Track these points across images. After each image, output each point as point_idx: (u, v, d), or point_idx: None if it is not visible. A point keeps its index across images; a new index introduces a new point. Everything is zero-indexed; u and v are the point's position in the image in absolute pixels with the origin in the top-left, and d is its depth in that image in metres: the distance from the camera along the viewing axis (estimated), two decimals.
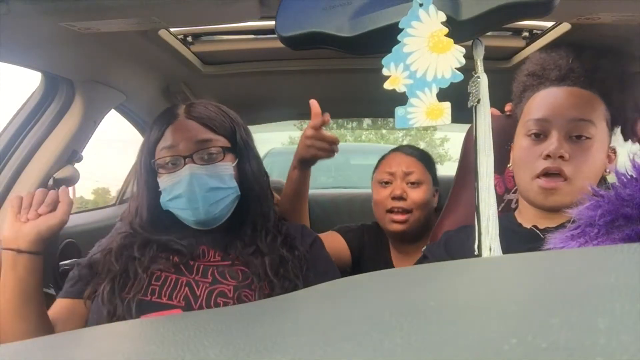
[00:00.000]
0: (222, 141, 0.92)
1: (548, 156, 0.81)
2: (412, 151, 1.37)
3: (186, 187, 0.87)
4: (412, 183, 1.29)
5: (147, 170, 0.93)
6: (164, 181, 0.90)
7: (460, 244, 0.94)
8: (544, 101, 0.86)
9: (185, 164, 0.88)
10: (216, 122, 0.93)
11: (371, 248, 1.42)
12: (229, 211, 0.92)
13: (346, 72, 1.54)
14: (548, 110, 0.84)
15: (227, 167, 0.91)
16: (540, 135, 0.84)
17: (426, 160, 1.36)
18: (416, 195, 1.28)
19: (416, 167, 1.31)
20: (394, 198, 1.28)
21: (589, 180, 0.78)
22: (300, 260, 0.93)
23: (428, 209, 1.32)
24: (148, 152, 0.93)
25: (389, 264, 1.39)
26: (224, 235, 0.93)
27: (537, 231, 0.85)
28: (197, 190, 0.87)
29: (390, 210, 1.29)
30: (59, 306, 0.89)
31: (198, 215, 0.88)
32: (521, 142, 0.87)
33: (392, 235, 1.35)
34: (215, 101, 1.00)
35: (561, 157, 0.80)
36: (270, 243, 0.92)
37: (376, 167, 1.40)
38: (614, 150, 0.87)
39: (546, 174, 0.81)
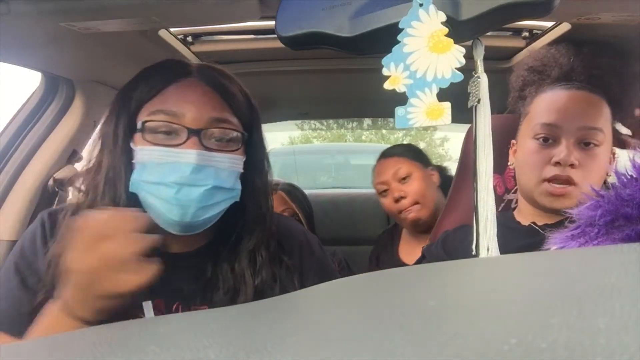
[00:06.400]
0: (240, 127, 0.70)
1: (558, 163, 0.81)
2: (392, 150, 1.46)
3: (188, 175, 0.63)
4: (404, 179, 1.37)
5: (125, 132, 0.67)
6: (147, 153, 0.65)
7: (458, 243, 0.94)
8: (553, 105, 0.85)
9: (188, 140, 0.64)
10: (238, 102, 0.70)
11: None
12: (216, 218, 0.69)
13: (346, 72, 1.54)
14: (557, 115, 0.83)
15: (239, 162, 0.69)
16: (548, 140, 0.84)
17: (408, 152, 1.44)
18: (411, 188, 1.36)
19: (400, 163, 1.39)
20: (396, 201, 1.36)
21: (595, 184, 0.79)
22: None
23: (431, 191, 1.39)
24: (129, 112, 0.67)
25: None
26: (204, 268, 0.70)
27: (536, 227, 0.86)
28: (195, 187, 0.64)
29: (399, 212, 1.37)
30: None
31: (184, 216, 0.64)
32: (527, 144, 0.87)
33: (413, 226, 1.40)
34: None
35: (571, 165, 0.80)
36: (265, 279, 0.72)
37: (373, 177, 1.47)
38: (613, 152, 0.87)
39: (555, 180, 0.81)
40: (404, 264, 1.36)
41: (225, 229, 0.73)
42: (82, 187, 0.70)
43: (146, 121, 0.65)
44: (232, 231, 0.73)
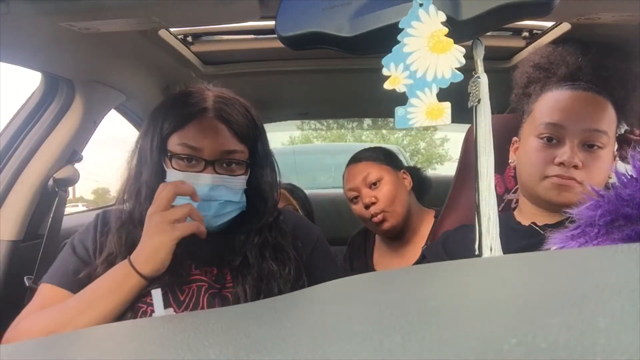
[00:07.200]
0: (245, 153, 0.88)
1: (561, 164, 0.80)
2: (361, 155, 1.41)
3: (206, 192, 0.83)
4: (374, 184, 1.34)
5: (158, 152, 0.86)
6: (174, 176, 0.84)
7: (458, 243, 0.94)
8: (559, 104, 0.85)
9: (205, 168, 0.84)
10: (244, 129, 0.87)
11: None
12: (228, 223, 0.89)
13: (346, 72, 1.54)
14: (562, 116, 0.83)
15: (243, 181, 0.88)
16: (552, 140, 0.83)
17: (378, 156, 1.39)
18: (382, 193, 1.33)
19: (370, 168, 1.35)
20: (367, 207, 1.33)
21: (598, 185, 0.78)
22: (295, 269, 0.89)
23: (402, 195, 1.35)
24: (160, 136, 0.86)
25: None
26: (215, 243, 0.87)
27: (536, 227, 0.86)
28: (212, 201, 0.84)
29: (372, 218, 1.34)
30: (59, 296, 0.83)
31: (205, 222, 0.83)
32: (530, 143, 0.86)
33: (383, 234, 1.39)
34: None
35: (575, 166, 0.80)
36: (259, 253, 0.88)
37: (343, 185, 1.43)
38: (615, 155, 0.87)
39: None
40: None
41: (237, 220, 0.90)
42: (125, 191, 0.89)
43: (174, 152, 0.84)
44: (242, 221, 0.90)
